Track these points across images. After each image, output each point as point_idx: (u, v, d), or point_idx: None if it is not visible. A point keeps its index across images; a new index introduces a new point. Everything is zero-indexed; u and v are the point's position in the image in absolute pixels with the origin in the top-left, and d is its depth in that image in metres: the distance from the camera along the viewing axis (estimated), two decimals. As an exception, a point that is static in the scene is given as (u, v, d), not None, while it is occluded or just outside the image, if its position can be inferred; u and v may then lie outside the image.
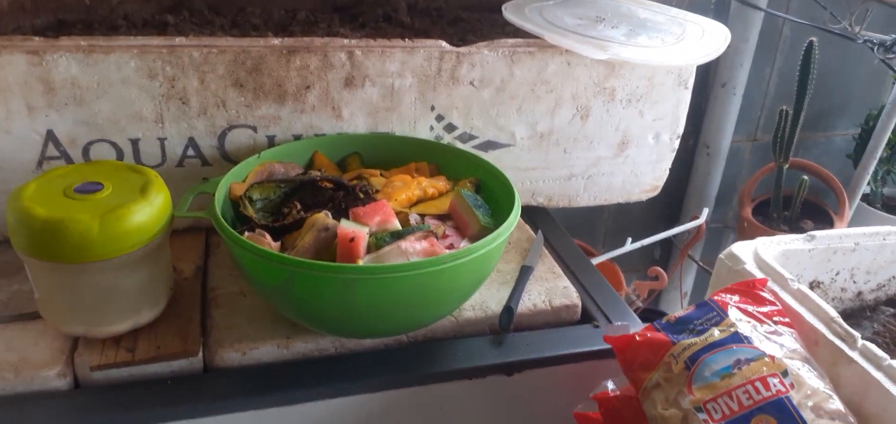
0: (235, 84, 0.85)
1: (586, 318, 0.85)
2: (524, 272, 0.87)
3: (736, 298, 0.75)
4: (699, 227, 1.31)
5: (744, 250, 0.82)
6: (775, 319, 0.72)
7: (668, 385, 0.69)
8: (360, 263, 0.66)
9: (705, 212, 1.22)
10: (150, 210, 0.68)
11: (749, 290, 0.76)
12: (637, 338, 0.73)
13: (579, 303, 0.85)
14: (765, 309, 0.73)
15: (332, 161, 0.90)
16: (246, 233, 0.70)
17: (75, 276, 0.66)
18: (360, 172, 0.87)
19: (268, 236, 0.70)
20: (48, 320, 0.71)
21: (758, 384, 0.64)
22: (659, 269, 1.07)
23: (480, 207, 0.79)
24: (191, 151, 0.88)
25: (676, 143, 1.08)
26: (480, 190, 0.86)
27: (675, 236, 1.37)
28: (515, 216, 0.74)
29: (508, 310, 0.80)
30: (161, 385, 0.70)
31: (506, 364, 0.77)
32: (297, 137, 0.91)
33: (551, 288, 0.86)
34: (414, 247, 0.68)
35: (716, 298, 0.74)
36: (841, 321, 0.71)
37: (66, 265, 0.65)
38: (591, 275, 0.92)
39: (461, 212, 0.79)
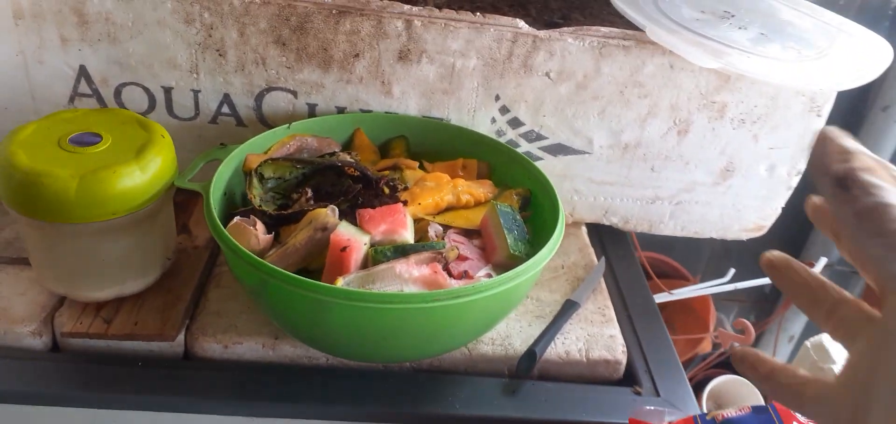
0: (277, 41, 0.77)
1: (629, 379, 0.71)
2: (567, 308, 0.74)
3: (814, 409, 0.58)
4: (818, 274, 1.09)
5: (837, 347, 0.64)
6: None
7: (700, 503, 0.55)
8: (342, 281, 0.57)
9: (822, 262, 1.01)
10: (140, 175, 0.62)
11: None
12: (672, 433, 0.59)
13: (624, 360, 0.71)
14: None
15: (375, 143, 0.80)
16: (237, 218, 0.63)
17: (52, 235, 0.62)
18: (398, 161, 0.77)
19: (258, 225, 0.62)
20: (35, 272, 0.68)
21: None
22: (746, 322, 0.89)
23: (515, 228, 0.66)
24: (226, 109, 0.81)
25: (795, 180, 0.88)
26: (529, 205, 0.74)
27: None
28: (549, 251, 0.61)
29: (530, 355, 0.68)
30: (133, 365, 0.65)
31: (517, 420, 0.65)
32: (341, 110, 0.82)
33: (593, 335, 0.73)
34: (411, 272, 0.57)
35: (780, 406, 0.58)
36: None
37: (42, 223, 0.60)
38: (652, 325, 0.77)
39: (491, 231, 0.67)
